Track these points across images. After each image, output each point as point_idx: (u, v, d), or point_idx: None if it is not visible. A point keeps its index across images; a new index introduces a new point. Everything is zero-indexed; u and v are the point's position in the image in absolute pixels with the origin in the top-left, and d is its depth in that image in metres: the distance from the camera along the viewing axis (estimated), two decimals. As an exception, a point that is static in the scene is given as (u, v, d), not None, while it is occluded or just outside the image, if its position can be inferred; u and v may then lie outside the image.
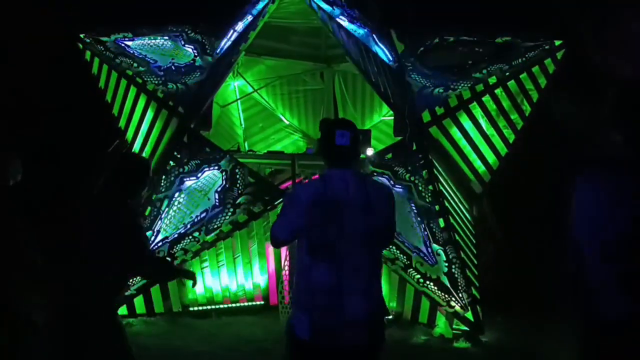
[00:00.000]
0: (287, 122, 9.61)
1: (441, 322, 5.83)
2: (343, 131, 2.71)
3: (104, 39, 7.51)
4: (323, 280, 2.64)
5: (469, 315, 5.69)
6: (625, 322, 2.17)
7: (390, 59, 7.08)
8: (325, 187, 2.70)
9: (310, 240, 2.69)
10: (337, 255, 2.64)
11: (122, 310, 5.94)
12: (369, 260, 2.70)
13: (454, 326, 5.77)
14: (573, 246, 2.28)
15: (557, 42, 7.12)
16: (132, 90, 7.25)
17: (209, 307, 6.30)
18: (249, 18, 7.07)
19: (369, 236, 2.67)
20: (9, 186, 3.74)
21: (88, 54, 7.57)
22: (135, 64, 7.25)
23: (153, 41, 7.55)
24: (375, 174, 6.35)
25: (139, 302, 6.04)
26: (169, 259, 5.81)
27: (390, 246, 5.91)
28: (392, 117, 7.65)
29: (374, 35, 7.04)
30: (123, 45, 7.49)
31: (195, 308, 6.28)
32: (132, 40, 7.54)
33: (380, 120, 9.17)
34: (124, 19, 7.86)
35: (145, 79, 7.13)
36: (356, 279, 2.64)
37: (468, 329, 5.70)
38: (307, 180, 6.32)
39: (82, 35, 7.59)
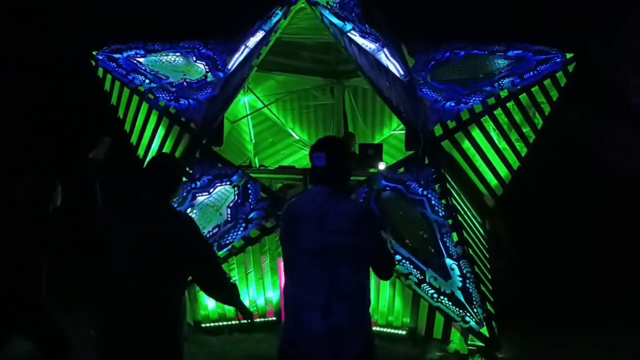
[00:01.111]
0: (297, 137, 9.63)
1: (456, 337, 5.75)
2: (319, 154, 2.79)
3: (116, 55, 7.57)
4: (287, 292, 2.78)
5: (484, 330, 5.61)
6: None
7: (402, 73, 7.08)
8: (297, 202, 2.86)
9: (282, 252, 2.88)
10: (295, 268, 2.74)
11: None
12: (328, 277, 2.64)
13: (469, 342, 5.70)
14: None
15: (569, 55, 7.09)
16: (144, 107, 7.30)
17: (221, 323, 6.25)
18: (261, 34, 7.11)
19: (325, 253, 2.65)
20: (49, 211, 3.76)
21: (100, 71, 7.63)
22: (147, 81, 7.30)
23: (165, 57, 7.61)
24: (387, 188, 6.33)
25: (151, 318, 6.00)
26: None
27: (404, 261, 5.87)
28: (403, 132, 7.65)
29: (385, 50, 7.05)
30: (135, 62, 7.55)
31: (208, 324, 6.24)
32: (144, 57, 7.60)
33: (390, 134, 9.16)
34: (135, 36, 7.93)
35: (157, 95, 7.17)
36: (313, 295, 2.65)
37: (483, 344, 5.62)
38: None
39: (94, 53, 7.66)
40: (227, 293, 3.11)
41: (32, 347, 3.78)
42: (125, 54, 7.59)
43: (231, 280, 3.22)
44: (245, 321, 3.26)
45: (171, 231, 2.91)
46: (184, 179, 3.17)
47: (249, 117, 9.22)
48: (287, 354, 2.71)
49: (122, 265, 2.87)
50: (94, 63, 7.65)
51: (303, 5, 6.77)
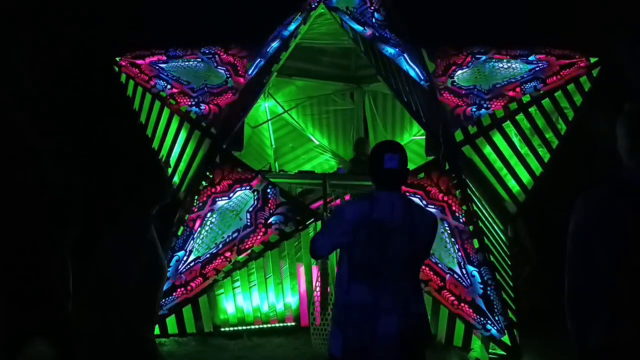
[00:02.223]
0: (317, 142, 9.63)
1: (477, 345, 5.68)
2: (392, 155, 2.74)
3: (139, 61, 7.67)
4: (361, 298, 2.66)
5: (506, 339, 5.53)
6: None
7: (422, 78, 7.05)
8: (371, 208, 2.72)
9: (352, 259, 2.71)
10: (379, 276, 2.66)
11: (155, 329, 5.95)
12: (410, 283, 2.72)
13: (490, 350, 5.61)
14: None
15: (593, 60, 6.98)
16: (166, 112, 7.37)
17: (240, 327, 6.26)
18: (281, 39, 7.14)
19: (411, 260, 2.71)
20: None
21: (123, 77, 7.73)
22: (169, 86, 7.38)
23: (186, 63, 7.68)
24: (407, 193, 6.28)
25: (171, 322, 6.04)
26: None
27: (424, 267, 5.81)
28: (423, 137, 7.60)
29: (405, 55, 7.02)
30: (157, 67, 7.63)
31: (227, 329, 6.26)
32: (166, 62, 7.68)
33: (410, 139, 9.11)
34: (158, 42, 8.02)
35: (179, 100, 7.24)
36: (395, 301, 2.65)
37: (505, 353, 5.53)
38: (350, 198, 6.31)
39: (118, 59, 7.77)
40: None
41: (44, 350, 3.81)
42: (147, 60, 7.68)
43: None
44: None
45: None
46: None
47: (269, 122, 9.25)
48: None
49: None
50: (117, 69, 7.76)
51: (323, 10, 6.78)
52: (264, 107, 9.16)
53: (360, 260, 2.68)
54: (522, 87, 6.87)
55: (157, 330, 5.90)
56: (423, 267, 5.75)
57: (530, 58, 7.16)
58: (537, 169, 6.99)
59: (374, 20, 7.17)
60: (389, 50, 6.97)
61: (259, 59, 7.41)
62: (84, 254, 3.57)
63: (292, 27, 6.98)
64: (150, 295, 3.25)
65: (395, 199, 2.75)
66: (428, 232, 2.79)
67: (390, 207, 2.70)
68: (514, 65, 7.13)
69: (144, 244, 3.16)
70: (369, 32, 6.86)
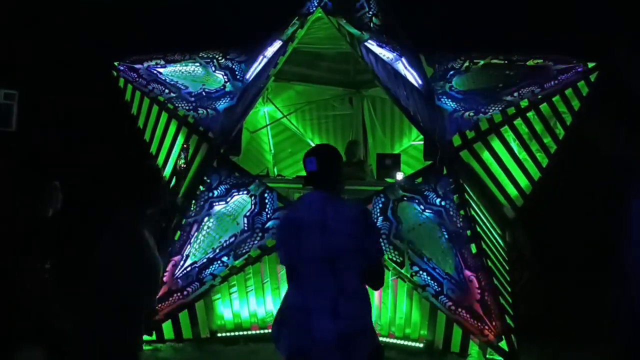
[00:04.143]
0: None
1: (474, 351, 5.65)
2: (310, 158, 2.91)
3: (137, 66, 7.68)
4: (292, 299, 2.78)
5: (503, 344, 5.50)
6: None
7: (420, 82, 7.04)
8: (293, 210, 2.94)
9: (282, 261, 2.88)
10: (302, 276, 2.75)
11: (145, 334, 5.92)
12: (334, 280, 2.69)
13: (487, 356, 5.58)
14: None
15: (591, 65, 6.98)
16: (164, 116, 7.37)
17: (237, 333, 6.23)
18: (279, 43, 7.14)
19: (329, 257, 2.69)
20: (47, 217, 3.78)
21: (122, 81, 7.74)
22: (166, 90, 7.38)
23: (184, 68, 7.68)
24: (405, 198, 6.27)
25: (167, 327, 6.01)
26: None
27: (421, 272, 5.79)
28: (422, 142, 7.59)
29: (403, 59, 7.02)
30: (155, 72, 7.64)
31: (223, 334, 6.22)
32: (164, 67, 7.69)
33: (409, 145, 9.10)
34: (156, 47, 8.03)
35: (177, 104, 7.24)
36: (320, 300, 2.68)
37: (502, 358, 5.50)
38: None
39: (116, 63, 7.78)
40: None
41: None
42: (145, 65, 7.69)
43: None
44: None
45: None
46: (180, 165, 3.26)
47: (268, 127, 9.24)
48: None
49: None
50: (115, 73, 7.76)
51: (320, 15, 6.78)
52: (263, 112, 9.16)
53: (284, 260, 2.83)
54: (520, 91, 6.86)
55: (153, 336, 5.89)
56: (420, 271, 5.76)
57: (527, 63, 7.17)
58: (536, 174, 6.97)
59: (372, 24, 7.17)
60: (387, 55, 6.97)
61: (256, 64, 7.41)
62: (82, 254, 3.54)
63: (289, 31, 6.98)
64: (144, 298, 3.22)
65: (316, 198, 2.83)
66: (345, 226, 2.71)
67: (308, 206, 2.81)
68: (511, 70, 7.13)
69: (140, 244, 3.13)
70: (366, 36, 6.86)
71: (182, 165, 3.42)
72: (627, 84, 8.34)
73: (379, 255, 2.89)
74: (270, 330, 6.17)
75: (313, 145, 9.51)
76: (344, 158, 8.37)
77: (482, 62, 7.28)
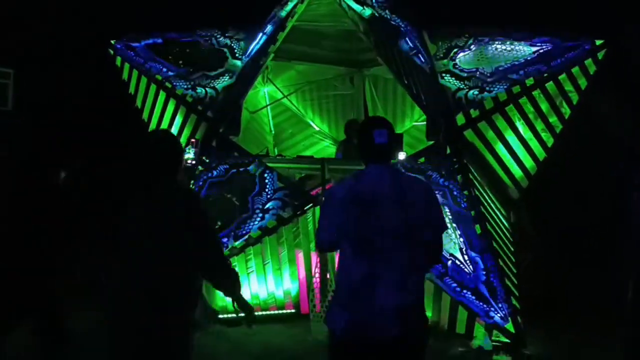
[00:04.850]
0: (317, 128, 9.48)
1: (480, 333, 5.56)
2: (381, 130, 2.80)
3: (135, 44, 7.52)
4: (359, 272, 2.66)
5: (510, 326, 5.42)
6: None
7: (423, 60, 6.89)
8: (360, 183, 2.76)
9: (348, 236, 2.71)
10: (374, 248, 2.65)
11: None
12: (407, 255, 2.67)
13: (493, 337, 5.50)
14: None
15: (598, 42, 6.83)
16: (162, 95, 7.24)
17: (238, 315, 6.13)
18: (278, 20, 6.97)
19: (405, 230, 2.66)
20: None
21: (119, 60, 7.59)
22: (164, 69, 7.23)
23: (183, 46, 7.51)
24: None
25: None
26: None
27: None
28: (424, 123, 7.46)
29: (407, 37, 6.86)
30: (153, 50, 7.47)
31: (225, 316, 6.14)
32: (163, 45, 7.52)
33: (412, 125, 8.97)
34: (154, 24, 7.87)
35: (175, 83, 7.10)
36: (390, 272, 2.63)
37: (509, 340, 5.42)
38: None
39: (113, 42, 7.62)
40: (225, 280, 2.94)
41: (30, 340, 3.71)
42: (143, 43, 7.53)
43: (234, 271, 2.99)
44: (246, 325, 3.07)
45: (172, 213, 2.74)
46: (188, 160, 3.06)
47: (268, 107, 9.10)
48: (351, 338, 2.63)
49: (127, 251, 2.75)
50: (112, 52, 7.61)
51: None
52: (263, 92, 9.01)
53: (355, 235, 2.69)
54: (526, 69, 6.72)
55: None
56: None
57: (534, 40, 7.01)
58: (541, 153, 6.86)
59: (374, 1, 6.99)
60: (389, 33, 6.81)
61: (255, 41, 7.25)
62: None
63: (289, 6, 6.81)
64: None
65: (384, 170, 2.77)
66: (419, 198, 2.72)
67: (378, 179, 2.74)
68: (517, 48, 6.98)
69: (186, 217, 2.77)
70: (368, 12, 6.69)
71: (192, 161, 3.19)
72: (635, 63, 8.20)
73: (444, 229, 2.88)
74: (273, 312, 6.20)
75: (315, 127, 9.40)
76: (344, 136, 8.32)
77: (487, 39, 7.11)
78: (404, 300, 2.63)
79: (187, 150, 3.00)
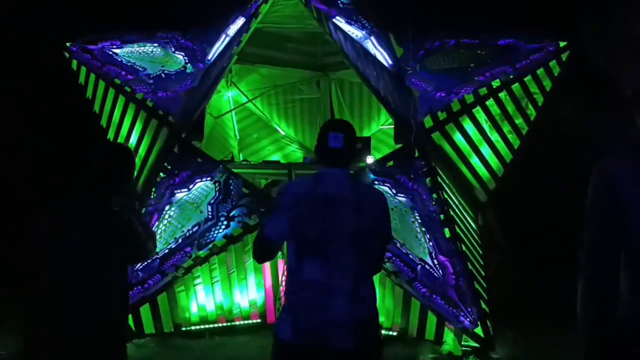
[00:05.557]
0: (283, 133, 9.33)
1: (449, 338, 5.48)
2: (336, 134, 2.72)
3: (91, 47, 7.24)
4: (311, 278, 2.56)
5: (479, 330, 5.36)
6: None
7: (390, 62, 6.82)
8: (316, 183, 2.69)
9: (300, 235, 2.62)
10: (326, 253, 2.56)
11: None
12: (359, 262, 2.59)
13: (463, 342, 5.43)
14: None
15: (562, 44, 6.89)
16: (121, 100, 6.98)
17: (202, 326, 5.93)
18: (242, 20, 6.80)
19: (359, 237, 2.59)
20: None
21: (74, 63, 7.31)
22: (123, 72, 6.98)
23: (142, 48, 7.29)
24: (376, 182, 6.05)
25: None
26: None
27: (394, 259, 5.59)
28: (391, 126, 7.39)
29: (373, 39, 6.79)
30: (111, 53, 7.23)
31: (188, 328, 5.92)
32: (120, 47, 7.29)
33: (378, 129, 8.90)
34: (111, 26, 7.60)
35: (134, 87, 6.86)
36: (344, 280, 2.55)
37: (478, 345, 5.36)
38: None
39: (68, 44, 7.33)
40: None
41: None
42: (100, 45, 7.26)
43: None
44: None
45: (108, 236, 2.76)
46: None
47: (232, 112, 8.90)
48: (301, 346, 2.52)
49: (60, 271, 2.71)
50: (67, 55, 7.31)
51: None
52: (227, 96, 8.82)
53: (307, 235, 2.62)
54: (492, 71, 6.72)
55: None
56: (392, 257, 5.56)
57: (499, 42, 7.02)
58: (507, 155, 6.87)
59: (339, 1, 6.89)
60: (356, 33, 6.71)
61: (218, 43, 7.07)
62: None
63: (253, 7, 6.65)
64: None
65: (341, 175, 2.71)
66: (375, 207, 2.68)
67: (336, 182, 2.68)
68: (483, 50, 6.97)
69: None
70: (334, 13, 6.58)
71: None
72: (594, 63, 8.32)
73: (390, 240, 2.88)
74: (238, 323, 6.01)
75: (281, 131, 9.25)
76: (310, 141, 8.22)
77: (453, 42, 7.09)
78: (358, 310, 2.55)
79: None
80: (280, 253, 3.34)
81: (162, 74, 6.99)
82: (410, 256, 5.64)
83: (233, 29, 6.92)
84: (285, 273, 2.82)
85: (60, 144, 7.79)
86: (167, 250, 5.83)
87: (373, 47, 6.75)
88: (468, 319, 5.37)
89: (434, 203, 5.92)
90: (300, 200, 2.63)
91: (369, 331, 2.59)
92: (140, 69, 7.04)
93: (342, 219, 2.59)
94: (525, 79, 6.77)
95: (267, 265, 6.15)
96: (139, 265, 5.77)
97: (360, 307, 2.56)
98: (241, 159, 8.38)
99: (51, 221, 2.80)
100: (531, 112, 6.91)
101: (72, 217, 2.77)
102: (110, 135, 7.24)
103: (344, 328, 2.51)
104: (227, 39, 6.93)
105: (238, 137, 9.13)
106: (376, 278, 5.60)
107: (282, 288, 5.74)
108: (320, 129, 2.84)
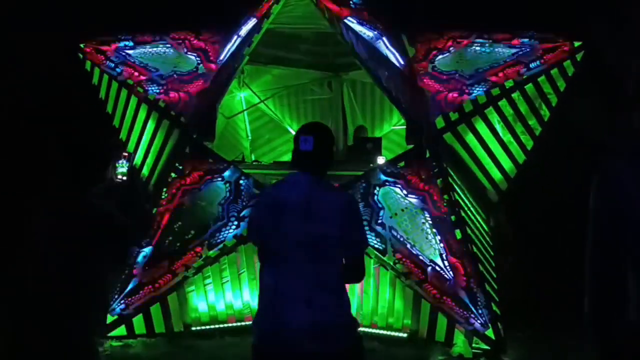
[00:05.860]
0: (294, 134, 9.32)
1: (460, 340, 5.44)
2: (306, 137, 2.71)
3: (104, 48, 7.31)
4: (268, 283, 2.64)
5: (490, 333, 5.31)
6: None
7: (402, 63, 6.78)
8: (276, 190, 2.79)
9: (261, 243, 2.73)
10: (279, 258, 2.61)
11: (121, 330, 5.64)
12: (312, 268, 2.57)
13: (473, 345, 5.39)
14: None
15: (577, 44, 6.78)
16: (133, 100, 7.04)
17: (212, 326, 5.95)
18: (253, 21, 6.81)
19: (311, 243, 2.57)
20: None
21: (88, 64, 7.38)
22: (136, 73, 7.03)
23: (155, 49, 7.33)
24: (387, 183, 6.03)
25: (138, 322, 5.71)
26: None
27: (404, 260, 5.56)
28: (403, 127, 7.35)
29: (384, 39, 6.75)
30: (124, 54, 7.28)
31: (198, 328, 5.95)
32: (133, 48, 7.33)
33: (390, 129, 8.86)
34: (125, 27, 7.66)
35: (147, 88, 6.90)
36: (297, 286, 2.57)
37: (489, 347, 5.31)
38: None
39: (82, 45, 7.40)
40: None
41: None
42: (113, 46, 7.32)
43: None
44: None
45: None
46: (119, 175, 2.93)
47: (245, 112, 8.92)
48: (266, 347, 2.58)
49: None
50: (81, 56, 7.38)
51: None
52: (239, 97, 8.84)
53: (263, 242, 2.70)
54: (505, 72, 6.64)
55: (123, 331, 5.61)
56: (403, 258, 5.54)
57: (512, 42, 6.94)
58: (520, 156, 6.79)
59: (352, 2, 6.87)
60: (367, 34, 6.69)
61: (230, 44, 7.08)
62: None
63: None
64: None
65: (301, 179, 2.69)
66: (328, 212, 2.61)
67: (293, 187, 2.68)
68: (496, 50, 6.90)
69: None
70: (346, 13, 6.57)
71: (122, 177, 2.93)
72: (607, 63, 8.21)
73: (363, 247, 2.77)
74: (248, 323, 6.01)
75: (292, 132, 9.23)
76: (352, 142, 8.20)
77: (465, 42, 7.02)
78: (315, 317, 2.54)
79: (120, 165, 2.79)
80: None
81: (175, 75, 7.02)
82: (421, 257, 5.62)
83: (245, 29, 6.93)
84: None
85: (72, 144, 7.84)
86: (177, 250, 5.86)
87: (385, 47, 6.71)
88: (479, 321, 5.32)
89: (445, 204, 5.87)
90: (261, 207, 2.78)
91: (334, 340, 2.56)
92: (152, 69, 7.08)
93: (292, 225, 2.59)
94: (539, 79, 6.68)
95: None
96: (150, 265, 5.81)
97: (317, 314, 2.54)
98: (253, 159, 8.40)
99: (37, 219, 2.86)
100: (545, 112, 6.83)
101: (51, 215, 2.82)
102: (123, 135, 7.30)
103: (302, 334, 2.52)
104: (239, 39, 6.94)
105: (250, 138, 9.15)
106: (386, 279, 5.67)
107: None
108: (295, 133, 2.86)
